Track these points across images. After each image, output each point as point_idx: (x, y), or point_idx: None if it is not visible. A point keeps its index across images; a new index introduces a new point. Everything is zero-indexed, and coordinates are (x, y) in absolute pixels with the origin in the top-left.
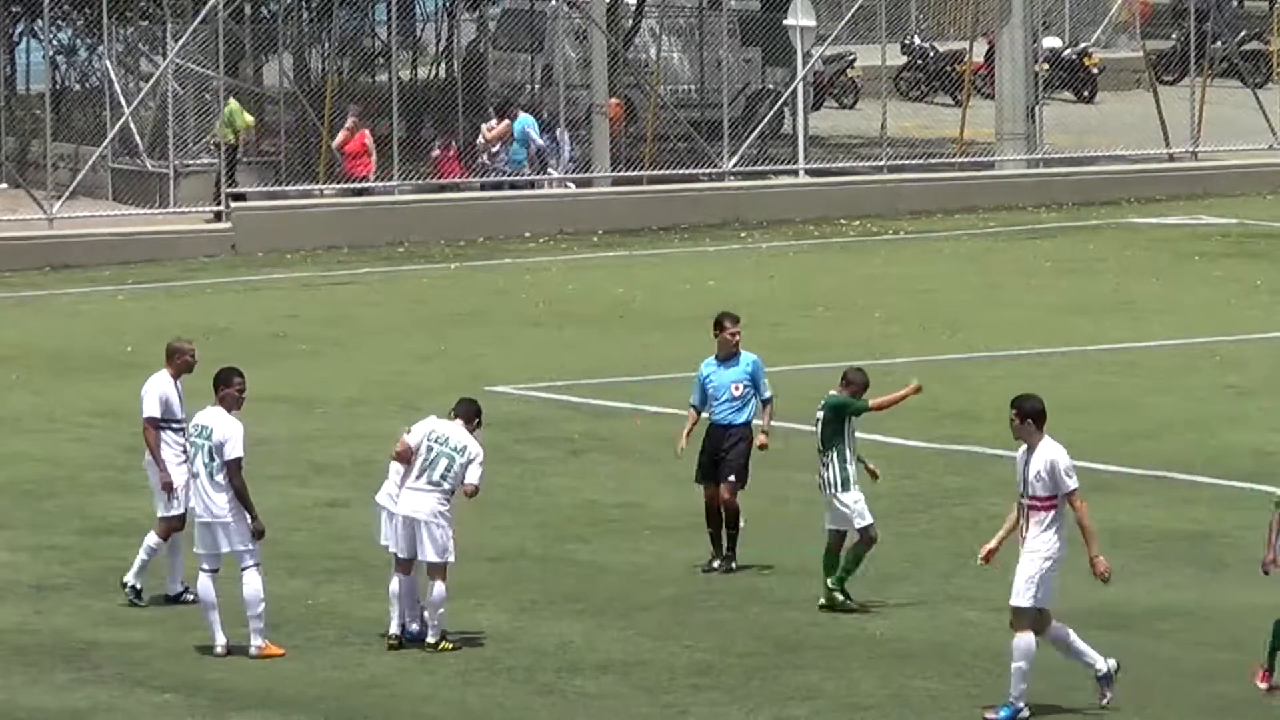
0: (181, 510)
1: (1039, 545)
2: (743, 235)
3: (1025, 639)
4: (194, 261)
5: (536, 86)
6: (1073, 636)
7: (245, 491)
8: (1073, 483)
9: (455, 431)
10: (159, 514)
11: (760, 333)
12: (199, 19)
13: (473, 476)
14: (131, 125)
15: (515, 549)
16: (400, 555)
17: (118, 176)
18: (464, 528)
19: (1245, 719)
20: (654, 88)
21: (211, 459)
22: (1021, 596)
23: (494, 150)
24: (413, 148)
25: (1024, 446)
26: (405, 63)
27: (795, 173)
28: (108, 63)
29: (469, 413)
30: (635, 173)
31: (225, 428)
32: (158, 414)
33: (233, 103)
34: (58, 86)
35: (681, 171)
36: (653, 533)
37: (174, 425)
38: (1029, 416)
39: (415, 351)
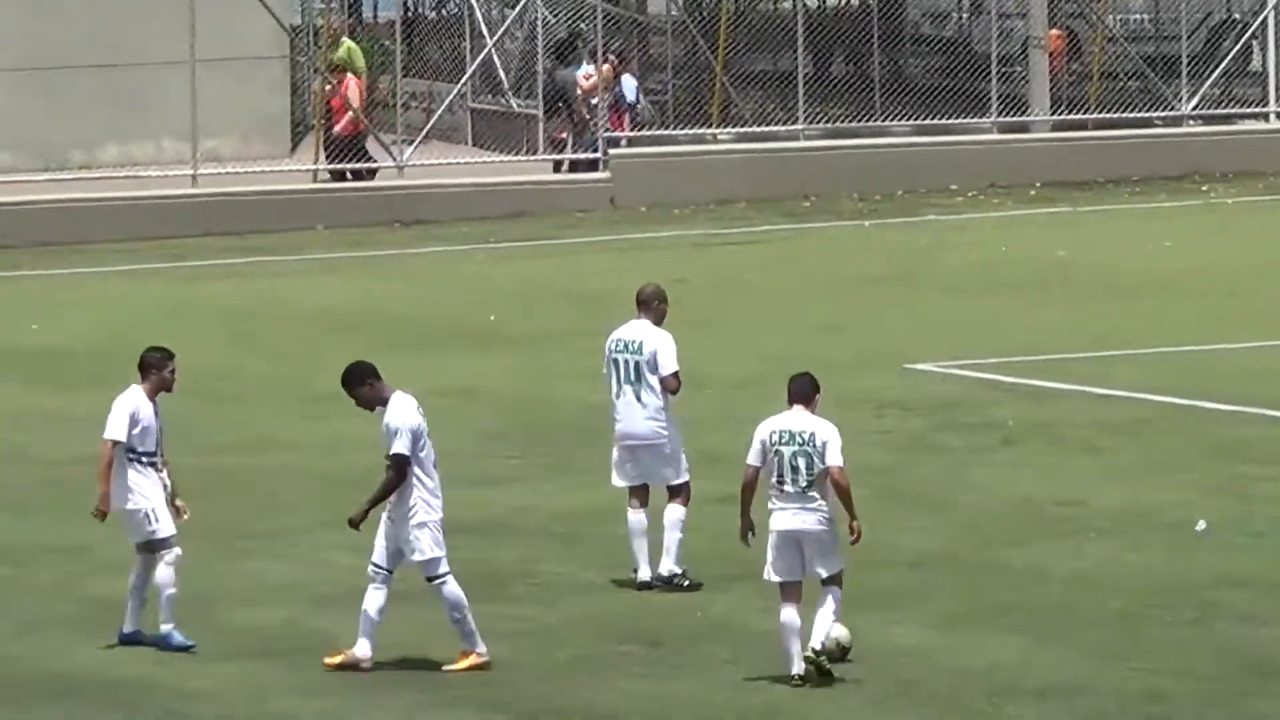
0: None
1: None
2: (1204, 189)
3: None
4: (566, 217)
5: (964, 15)
6: None
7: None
8: None
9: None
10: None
11: (1214, 303)
12: None
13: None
14: (495, 59)
15: (937, 553)
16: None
17: (478, 118)
18: (876, 529)
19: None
20: (1101, 17)
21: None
22: None
23: (594, 101)
24: (820, 84)
25: None
26: None
27: (1265, 116)
28: None
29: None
30: (1078, 116)
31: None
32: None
33: (348, 42)
34: (409, 14)
35: (1132, 115)
36: (1099, 534)
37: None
38: None
39: (820, 322)
